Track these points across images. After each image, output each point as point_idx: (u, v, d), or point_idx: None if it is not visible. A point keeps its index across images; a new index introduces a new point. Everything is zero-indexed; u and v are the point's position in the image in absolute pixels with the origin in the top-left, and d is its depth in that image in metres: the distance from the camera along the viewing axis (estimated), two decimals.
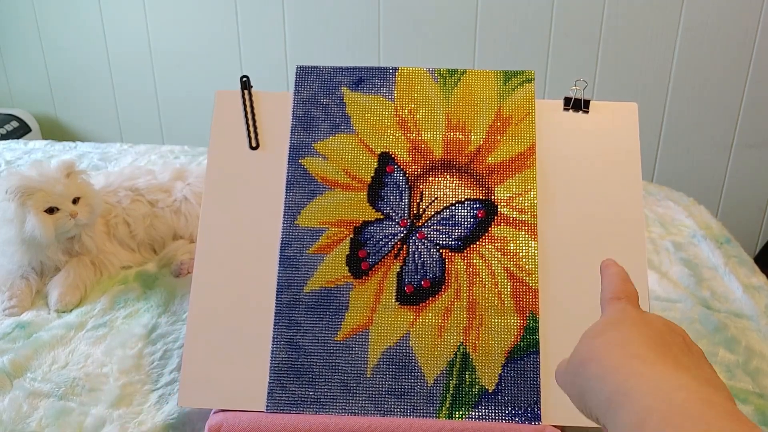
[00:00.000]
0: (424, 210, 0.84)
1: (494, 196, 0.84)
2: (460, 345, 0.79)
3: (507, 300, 0.80)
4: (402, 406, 0.78)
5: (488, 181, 0.85)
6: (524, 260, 0.82)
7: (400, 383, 0.78)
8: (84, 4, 2.09)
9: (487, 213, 0.84)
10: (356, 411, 0.77)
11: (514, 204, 0.84)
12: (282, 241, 0.83)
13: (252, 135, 0.88)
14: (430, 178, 0.85)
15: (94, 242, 1.11)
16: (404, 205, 0.84)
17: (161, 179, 1.24)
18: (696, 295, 1.10)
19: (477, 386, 0.78)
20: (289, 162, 0.86)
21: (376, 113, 0.88)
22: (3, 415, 0.81)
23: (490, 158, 0.85)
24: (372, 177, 0.85)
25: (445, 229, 0.83)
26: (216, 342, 0.81)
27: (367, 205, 0.84)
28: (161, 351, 0.94)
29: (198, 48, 2.09)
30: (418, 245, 0.83)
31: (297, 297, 0.81)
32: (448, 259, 0.82)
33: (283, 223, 0.84)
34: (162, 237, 1.19)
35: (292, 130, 0.88)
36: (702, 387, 0.34)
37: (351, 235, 0.83)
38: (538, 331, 0.79)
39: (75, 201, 1.06)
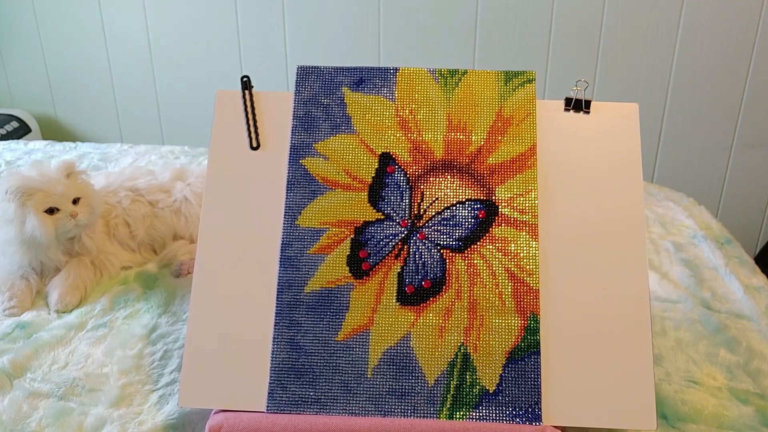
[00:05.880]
0: (425, 210, 0.84)
1: (495, 196, 0.84)
2: (460, 345, 0.79)
3: (508, 300, 0.80)
4: (402, 407, 0.78)
5: (489, 182, 0.85)
6: (525, 261, 0.82)
7: (400, 383, 0.78)
8: (84, 4, 2.09)
9: (487, 213, 0.84)
10: (357, 411, 0.77)
11: (515, 204, 0.84)
12: (282, 241, 0.83)
13: (253, 135, 0.88)
14: (431, 179, 0.85)
15: (95, 243, 1.11)
16: (405, 205, 0.84)
17: (161, 180, 1.24)
18: (696, 295, 1.10)
19: (478, 387, 0.78)
20: (289, 162, 0.86)
21: (377, 113, 0.88)
22: (3, 416, 0.81)
23: (490, 159, 0.85)
24: (373, 177, 0.85)
25: (446, 229, 0.83)
26: (216, 342, 0.80)
27: (368, 205, 0.84)
28: (161, 351, 0.94)
29: (198, 48, 2.09)
30: (418, 245, 0.83)
31: (297, 297, 0.81)
32: (448, 259, 0.82)
33: (284, 224, 0.84)
34: (162, 237, 1.19)
35: (292, 130, 0.88)
36: None
37: (352, 236, 0.83)
38: (539, 332, 0.79)
39: (75, 201, 1.05)
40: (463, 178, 0.85)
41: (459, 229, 0.83)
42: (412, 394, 0.78)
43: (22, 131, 2.16)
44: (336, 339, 0.80)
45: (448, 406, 0.77)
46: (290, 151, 0.87)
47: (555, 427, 0.76)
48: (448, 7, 1.93)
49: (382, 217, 0.84)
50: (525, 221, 0.83)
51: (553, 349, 0.79)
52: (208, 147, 0.89)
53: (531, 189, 0.84)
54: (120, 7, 2.08)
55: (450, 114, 0.87)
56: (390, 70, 0.89)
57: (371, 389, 0.78)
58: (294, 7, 1.99)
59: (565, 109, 0.87)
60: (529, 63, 1.95)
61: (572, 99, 0.87)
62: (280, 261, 0.83)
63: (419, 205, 0.84)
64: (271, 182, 0.86)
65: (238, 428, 0.75)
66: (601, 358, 0.79)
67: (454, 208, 0.84)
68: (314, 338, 0.80)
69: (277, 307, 0.81)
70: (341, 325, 0.80)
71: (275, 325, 0.81)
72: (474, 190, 0.84)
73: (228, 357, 0.80)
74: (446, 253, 0.82)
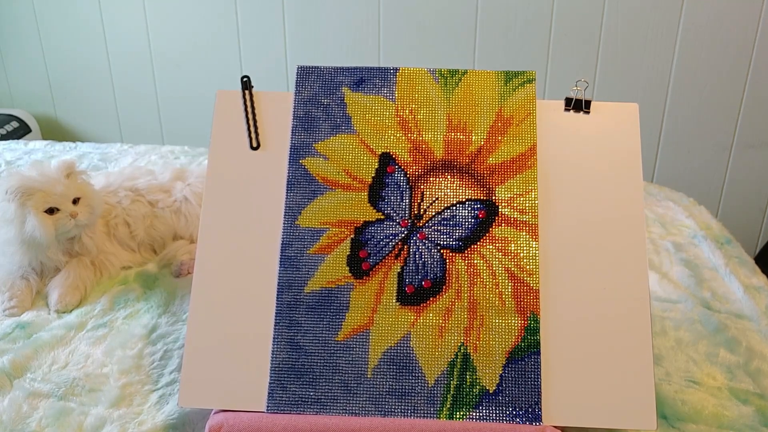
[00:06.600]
0: (425, 210, 0.84)
1: (495, 196, 0.84)
2: (460, 345, 0.79)
3: (508, 300, 0.80)
4: (403, 407, 0.78)
5: (489, 182, 0.85)
6: (525, 260, 0.82)
7: (400, 383, 0.78)
8: (84, 4, 2.09)
9: (487, 213, 0.84)
10: (357, 411, 0.77)
11: (515, 204, 0.84)
12: (283, 241, 0.83)
13: (253, 135, 0.88)
14: (431, 179, 0.85)
15: (95, 243, 1.11)
16: (405, 205, 0.84)
17: (161, 179, 1.24)
18: (696, 295, 1.10)
19: (478, 387, 0.78)
20: (289, 162, 0.86)
21: (377, 113, 0.88)
22: (3, 416, 0.81)
23: (491, 159, 0.85)
24: (373, 177, 0.85)
25: (446, 229, 0.83)
26: (216, 342, 0.80)
27: (368, 205, 0.84)
28: (161, 351, 0.94)
29: (198, 48, 2.09)
30: (418, 245, 0.83)
31: (298, 297, 0.81)
32: (448, 259, 0.82)
33: (284, 224, 0.84)
34: (162, 237, 1.19)
35: (292, 130, 0.88)
36: None
37: (352, 236, 0.83)
38: (539, 332, 0.79)
39: (75, 201, 1.05)
40: (463, 178, 0.85)
41: (459, 229, 0.83)
42: (412, 394, 0.78)
43: (22, 131, 2.16)
44: (336, 339, 0.80)
45: (448, 406, 0.77)
46: (290, 151, 0.87)
47: (555, 427, 0.76)
48: (448, 7, 1.93)
49: (382, 217, 0.84)
50: (525, 221, 0.83)
51: (553, 349, 0.79)
52: (208, 147, 0.89)
53: (531, 189, 0.84)
54: (120, 7, 2.08)
55: (450, 114, 0.87)
56: (390, 70, 0.89)
57: (371, 389, 0.78)
58: (294, 7, 1.99)
59: (565, 109, 0.87)
60: (529, 63, 1.95)
61: (572, 99, 0.87)
62: (280, 261, 0.83)
63: (419, 205, 0.84)
64: (271, 182, 0.86)
65: (238, 428, 0.75)
66: (601, 358, 0.79)
67: (454, 208, 0.84)
68: (314, 338, 0.80)
69: (277, 307, 0.81)
70: (341, 325, 0.80)
71: (275, 325, 0.81)
72: (474, 190, 0.84)
73: (228, 357, 0.80)
74: (446, 253, 0.82)
